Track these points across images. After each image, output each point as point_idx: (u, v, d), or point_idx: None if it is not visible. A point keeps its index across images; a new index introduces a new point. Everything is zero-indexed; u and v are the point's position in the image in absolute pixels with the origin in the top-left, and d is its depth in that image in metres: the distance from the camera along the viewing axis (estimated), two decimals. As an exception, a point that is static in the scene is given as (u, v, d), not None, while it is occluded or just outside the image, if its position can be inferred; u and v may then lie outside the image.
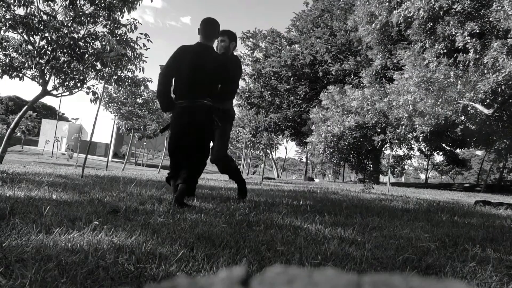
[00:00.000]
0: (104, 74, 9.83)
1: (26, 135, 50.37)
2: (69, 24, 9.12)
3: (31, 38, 8.90)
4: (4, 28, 8.24)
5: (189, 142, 3.26)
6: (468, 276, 1.64)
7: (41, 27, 8.44)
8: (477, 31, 11.27)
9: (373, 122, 18.25)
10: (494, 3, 10.62)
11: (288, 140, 35.12)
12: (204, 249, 1.67)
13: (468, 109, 13.28)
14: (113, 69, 9.80)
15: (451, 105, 12.48)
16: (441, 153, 27.91)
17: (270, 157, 38.59)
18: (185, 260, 1.50)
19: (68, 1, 8.82)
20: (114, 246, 1.57)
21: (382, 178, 32.12)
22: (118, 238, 1.74)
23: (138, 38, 9.66)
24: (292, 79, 25.92)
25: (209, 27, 3.34)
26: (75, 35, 9.13)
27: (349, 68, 22.93)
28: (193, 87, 3.25)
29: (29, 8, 8.36)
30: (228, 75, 3.45)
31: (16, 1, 8.21)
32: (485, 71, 11.24)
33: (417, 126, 14.28)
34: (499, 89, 11.36)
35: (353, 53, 23.97)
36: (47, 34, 8.62)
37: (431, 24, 12.62)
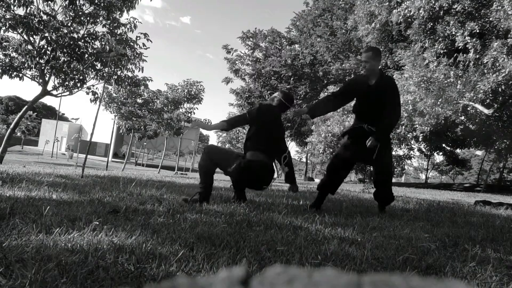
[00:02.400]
0: (104, 74, 9.82)
1: (26, 135, 50.29)
2: (69, 24, 9.11)
3: (31, 38, 8.88)
4: (4, 28, 8.23)
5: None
6: (468, 276, 1.64)
7: (41, 27, 8.42)
8: (477, 31, 11.25)
9: (373, 122, 18.17)
10: (494, 3, 10.60)
11: (288, 140, 35.03)
12: (204, 249, 1.67)
13: (468, 109, 13.26)
14: (113, 69, 9.78)
15: (451, 105, 12.46)
16: (441, 153, 27.90)
17: (270, 157, 38.47)
18: (185, 260, 1.50)
19: (68, 1, 8.81)
20: (114, 246, 1.57)
21: (382, 178, 31.99)
22: (118, 238, 1.74)
23: (138, 38, 9.65)
24: (292, 78, 25.90)
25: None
26: (75, 35, 9.11)
27: (350, 68, 22.89)
28: None
29: (29, 8, 8.35)
30: None
31: (16, 1, 8.20)
32: (485, 71, 11.22)
33: (417, 126, 14.25)
34: (499, 89, 11.35)
35: (354, 53, 23.94)
36: (47, 34, 8.61)
37: (431, 24, 12.60)
